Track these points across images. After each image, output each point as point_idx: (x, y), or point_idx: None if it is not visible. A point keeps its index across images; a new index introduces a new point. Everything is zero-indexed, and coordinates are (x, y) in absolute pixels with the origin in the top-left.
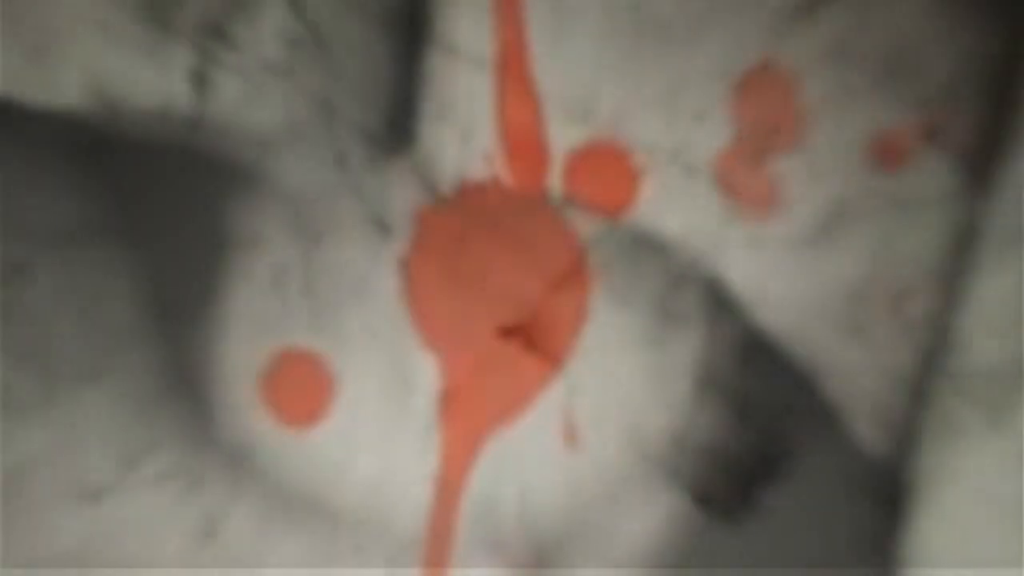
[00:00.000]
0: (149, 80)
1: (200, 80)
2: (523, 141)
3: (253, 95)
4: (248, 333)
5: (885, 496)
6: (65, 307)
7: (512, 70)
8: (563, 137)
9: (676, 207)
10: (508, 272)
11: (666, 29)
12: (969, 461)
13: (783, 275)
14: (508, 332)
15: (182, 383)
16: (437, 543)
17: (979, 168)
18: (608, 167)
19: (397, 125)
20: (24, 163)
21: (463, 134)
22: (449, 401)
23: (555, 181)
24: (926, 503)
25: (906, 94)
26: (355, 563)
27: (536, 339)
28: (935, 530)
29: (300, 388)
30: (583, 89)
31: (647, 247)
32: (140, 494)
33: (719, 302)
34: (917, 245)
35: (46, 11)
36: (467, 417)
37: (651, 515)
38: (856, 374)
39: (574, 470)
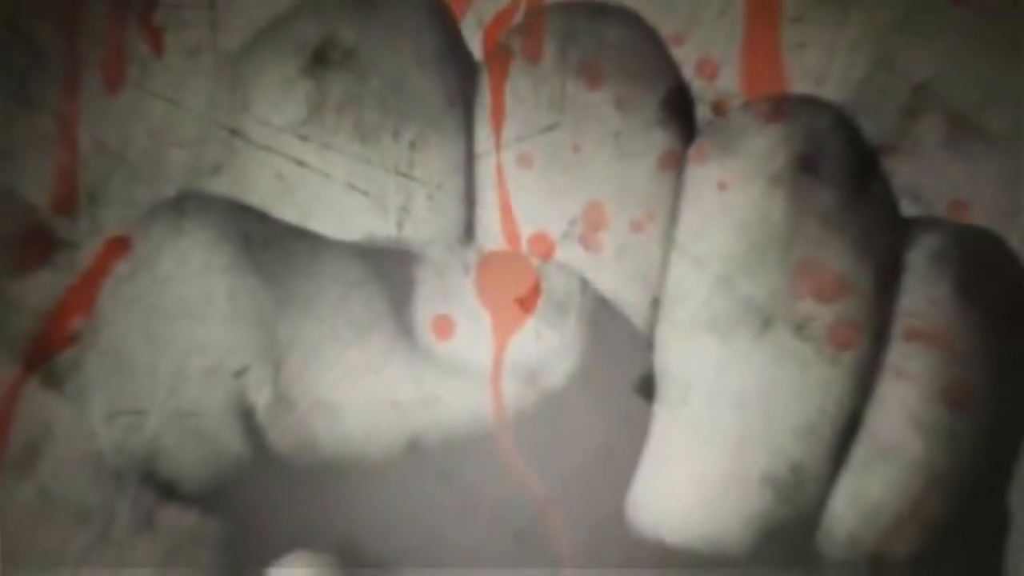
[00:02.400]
0: (376, 226)
1: (400, 224)
2: (511, 236)
3: (417, 230)
4: (423, 308)
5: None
6: (363, 307)
7: (506, 211)
8: (525, 232)
9: (568, 255)
10: (511, 282)
11: (560, 189)
12: (671, 347)
13: (604, 275)
14: (517, 301)
15: (405, 330)
16: (495, 377)
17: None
18: (543, 243)
19: (468, 234)
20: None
21: (490, 237)
22: (494, 329)
23: (524, 248)
24: (658, 358)
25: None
26: (466, 379)
27: (524, 303)
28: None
29: (443, 326)
30: (532, 216)
31: (560, 270)
32: (388, 368)
33: (584, 283)
34: (649, 260)
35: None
36: (500, 336)
37: (567, 359)
38: (635, 308)
39: (540, 349)
